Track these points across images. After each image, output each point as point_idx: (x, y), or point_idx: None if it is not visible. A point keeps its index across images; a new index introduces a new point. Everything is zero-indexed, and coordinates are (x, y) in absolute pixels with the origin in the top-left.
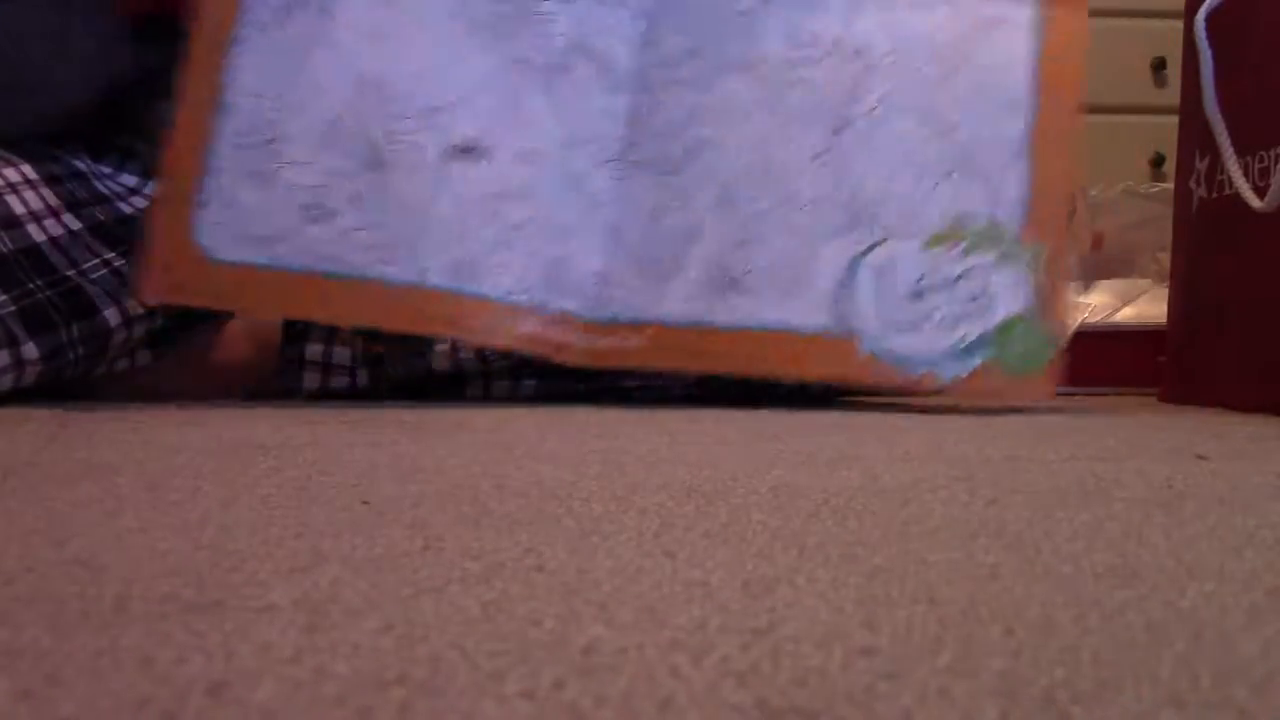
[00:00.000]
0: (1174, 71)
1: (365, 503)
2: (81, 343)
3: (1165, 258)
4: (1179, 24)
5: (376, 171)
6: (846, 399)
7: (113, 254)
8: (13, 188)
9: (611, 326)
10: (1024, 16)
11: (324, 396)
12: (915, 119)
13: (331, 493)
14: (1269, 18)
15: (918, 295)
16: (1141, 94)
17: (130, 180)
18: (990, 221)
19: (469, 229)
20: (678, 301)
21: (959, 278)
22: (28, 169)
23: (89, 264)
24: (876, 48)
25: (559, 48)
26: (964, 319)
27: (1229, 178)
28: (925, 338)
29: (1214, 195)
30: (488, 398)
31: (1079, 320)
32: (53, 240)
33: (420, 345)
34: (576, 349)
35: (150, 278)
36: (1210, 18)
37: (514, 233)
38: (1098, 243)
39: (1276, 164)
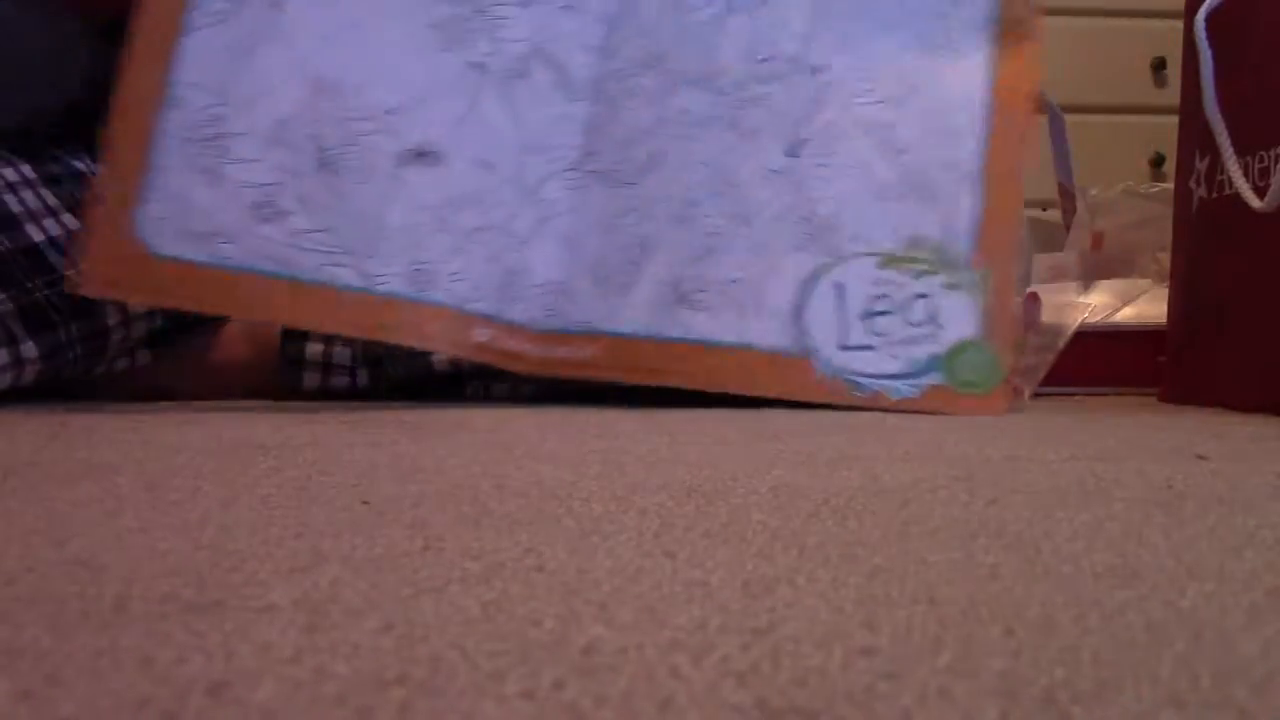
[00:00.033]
0: (1174, 71)
1: (365, 503)
2: (80, 342)
3: (1165, 258)
4: (1179, 24)
5: (329, 173)
6: None
7: None
8: (11, 187)
9: (565, 337)
10: (979, 47)
11: (324, 396)
12: (870, 140)
13: (331, 493)
14: (1269, 18)
15: (871, 316)
16: (1141, 94)
17: None
18: (941, 244)
19: (424, 235)
20: (633, 314)
21: (912, 300)
22: (27, 169)
23: None
24: (834, 67)
25: (517, 53)
26: (915, 341)
27: (1229, 178)
28: (877, 359)
29: (1214, 195)
30: (488, 398)
31: (1079, 320)
32: (51, 240)
33: None
34: (530, 359)
35: (90, 272)
36: (1210, 18)
37: (470, 240)
38: (1098, 243)
39: (1276, 164)
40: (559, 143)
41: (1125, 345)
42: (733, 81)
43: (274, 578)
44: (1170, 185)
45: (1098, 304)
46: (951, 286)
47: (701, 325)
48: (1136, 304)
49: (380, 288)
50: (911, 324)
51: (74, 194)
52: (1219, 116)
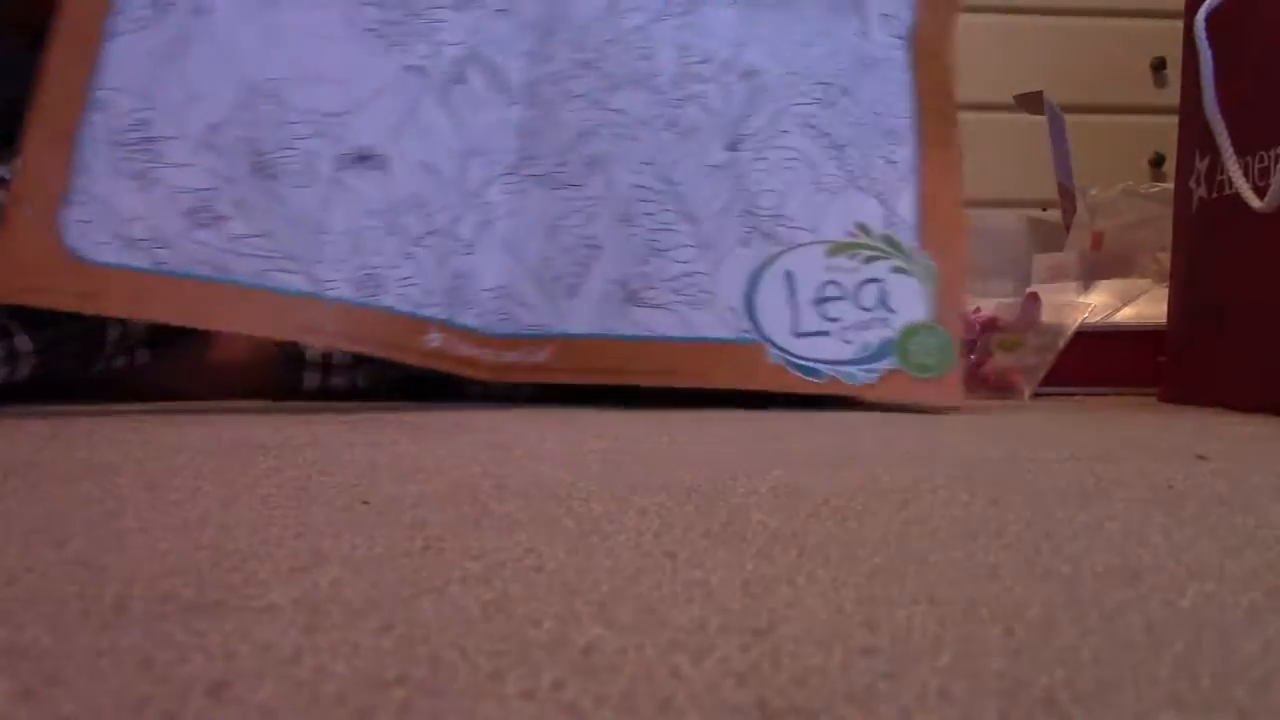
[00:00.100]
0: (1174, 71)
1: (365, 503)
2: (76, 337)
3: (1165, 258)
4: (1179, 24)
5: (266, 177)
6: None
7: None
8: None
9: (516, 341)
10: (897, 54)
11: (324, 396)
12: (808, 137)
13: (331, 493)
14: (1269, 18)
15: (822, 303)
16: (1141, 94)
17: None
18: (887, 234)
19: (369, 240)
20: (583, 315)
21: (862, 285)
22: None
23: None
24: (766, 72)
25: (454, 56)
26: (868, 326)
27: (1229, 178)
28: (832, 344)
29: (1214, 195)
30: (488, 398)
31: (1079, 320)
32: None
33: None
34: (484, 364)
35: (6, 276)
36: (1210, 18)
37: (418, 245)
38: (1098, 243)
39: (1276, 164)
40: (497, 147)
41: (1125, 345)
42: (669, 80)
43: (274, 578)
44: (1170, 185)
45: (1098, 304)
46: (900, 271)
47: (653, 322)
48: (1136, 304)
49: (330, 293)
50: (863, 308)
51: None
52: (1219, 116)
